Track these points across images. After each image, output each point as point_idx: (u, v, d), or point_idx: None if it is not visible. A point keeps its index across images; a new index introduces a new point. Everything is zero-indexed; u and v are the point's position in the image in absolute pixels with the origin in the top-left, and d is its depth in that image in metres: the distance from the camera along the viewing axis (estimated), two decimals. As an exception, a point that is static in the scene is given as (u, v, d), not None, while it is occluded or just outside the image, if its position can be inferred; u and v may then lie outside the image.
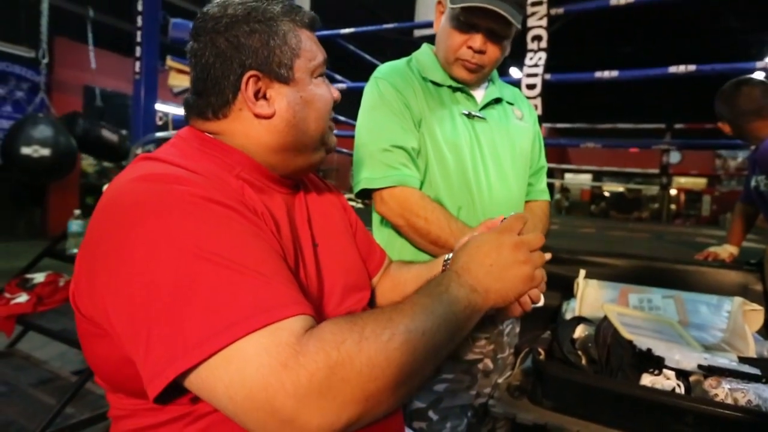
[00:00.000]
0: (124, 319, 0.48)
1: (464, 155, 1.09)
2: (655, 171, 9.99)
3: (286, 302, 0.48)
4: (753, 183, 1.77)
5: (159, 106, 3.40)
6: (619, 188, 13.78)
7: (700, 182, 12.93)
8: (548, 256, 1.06)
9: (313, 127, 0.69)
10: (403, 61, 1.18)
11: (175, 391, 0.47)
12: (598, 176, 13.63)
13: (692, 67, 2.10)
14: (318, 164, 0.75)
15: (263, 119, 0.65)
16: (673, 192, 12.61)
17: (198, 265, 0.47)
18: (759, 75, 1.84)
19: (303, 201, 0.74)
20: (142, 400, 0.55)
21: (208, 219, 0.50)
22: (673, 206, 12.51)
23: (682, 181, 13.05)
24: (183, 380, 0.46)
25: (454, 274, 0.61)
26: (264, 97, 0.65)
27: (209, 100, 0.65)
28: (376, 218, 1.15)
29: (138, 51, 3.15)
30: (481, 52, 1.06)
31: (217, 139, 0.66)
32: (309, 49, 0.68)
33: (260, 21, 0.64)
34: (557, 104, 4.59)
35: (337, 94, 0.74)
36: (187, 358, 0.44)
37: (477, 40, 1.05)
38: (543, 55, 2.40)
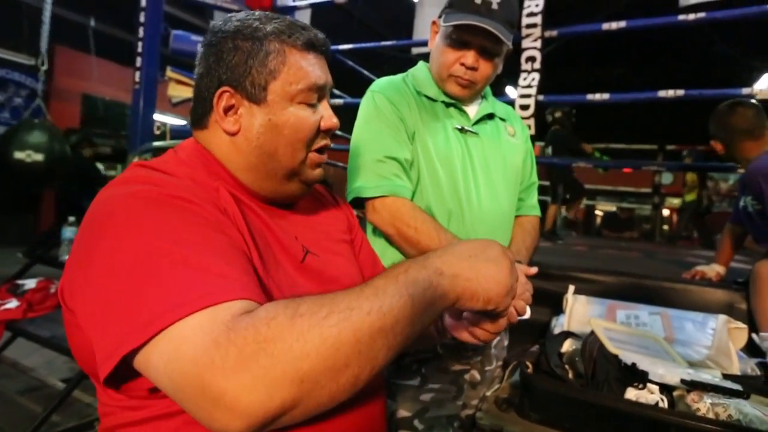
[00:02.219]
0: (88, 307, 0.51)
1: (455, 168, 1.11)
2: (648, 191, 10.12)
3: (235, 288, 0.48)
4: (741, 203, 1.81)
5: (157, 116, 3.42)
6: (612, 207, 13.90)
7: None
8: (534, 269, 1.08)
9: (282, 153, 0.66)
10: (399, 76, 1.21)
11: (132, 377, 0.50)
12: (591, 195, 13.76)
13: (681, 92, 2.15)
14: (297, 196, 0.72)
15: (230, 135, 0.66)
16: (665, 212, 12.72)
17: (155, 252, 0.49)
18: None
19: (292, 214, 0.74)
20: (124, 396, 0.56)
21: (170, 211, 0.53)
22: (665, 227, 12.60)
23: (675, 201, 13.18)
24: (134, 362, 0.47)
25: (421, 257, 0.56)
26: (236, 113, 0.66)
27: (197, 109, 0.68)
28: (369, 227, 1.17)
29: (138, 61, 3.18)
30: (473, 68, 1.09)
31: (206, 149, 0.68)
32: (293, 73, 0.65)
33: (246, 38, 0.65)
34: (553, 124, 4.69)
35: (329, 124, 0.70)
36: (135, 338, 0.45)
37: (469, 57, 1.08)
38: (536, 75, 2.45)
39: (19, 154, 4.77)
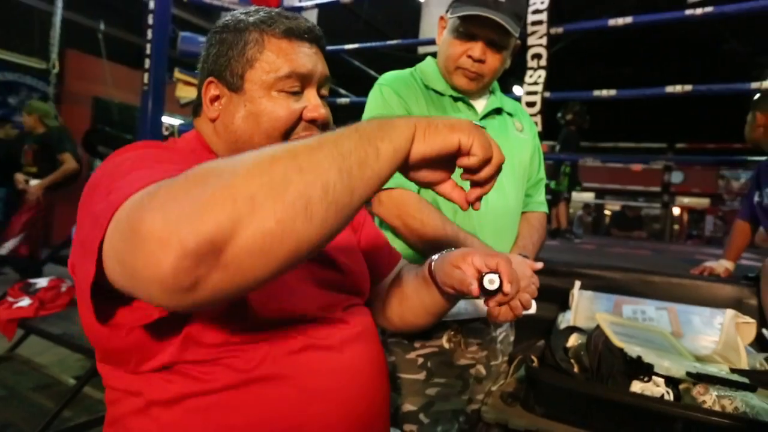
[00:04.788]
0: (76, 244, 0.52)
1: None
2: (657, 189, 10.05)
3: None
4: (756, 198, 1.79)
5: (165, 118, 3.45)
6: (620, 206, 13.78)
7: (703, 202, 12.93)
8: (540, 264, 1.08)
9: (257, 142, 0.65)
10: (407, 70, 1.21)
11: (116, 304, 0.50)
12: (600, 194, 13.66)
13: (688, 87, 2.14)
14: None
15: (212, 121, 0.70)
16: (676, 211, 12.60)
17: (130, 174, 0.49)
18: (755, 95, 1.86)
19: None
20: (132, 375, 0.57)
21: (159, 162, 0.53)
22: (676, 226, 12.47)
23: (686, 200, 13.05)
24: (105, 267, 0.44)
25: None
26: (219, 102, 0.69)
27: (196, 100, 0.73)
28: (376, 220, 1.18)
29: (147, 63, 3.22)
30: (480, 61, 1.09)
31: (201, 135, 0.72)
32: (271, 61, 0.65)
33: (230, 31, 0.69)
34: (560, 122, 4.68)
35: (313, 114, 0.67)
36: (100, 233, 0.43)
37: (476, 49, 1.08)
38: (542, 73, 2.45)
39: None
